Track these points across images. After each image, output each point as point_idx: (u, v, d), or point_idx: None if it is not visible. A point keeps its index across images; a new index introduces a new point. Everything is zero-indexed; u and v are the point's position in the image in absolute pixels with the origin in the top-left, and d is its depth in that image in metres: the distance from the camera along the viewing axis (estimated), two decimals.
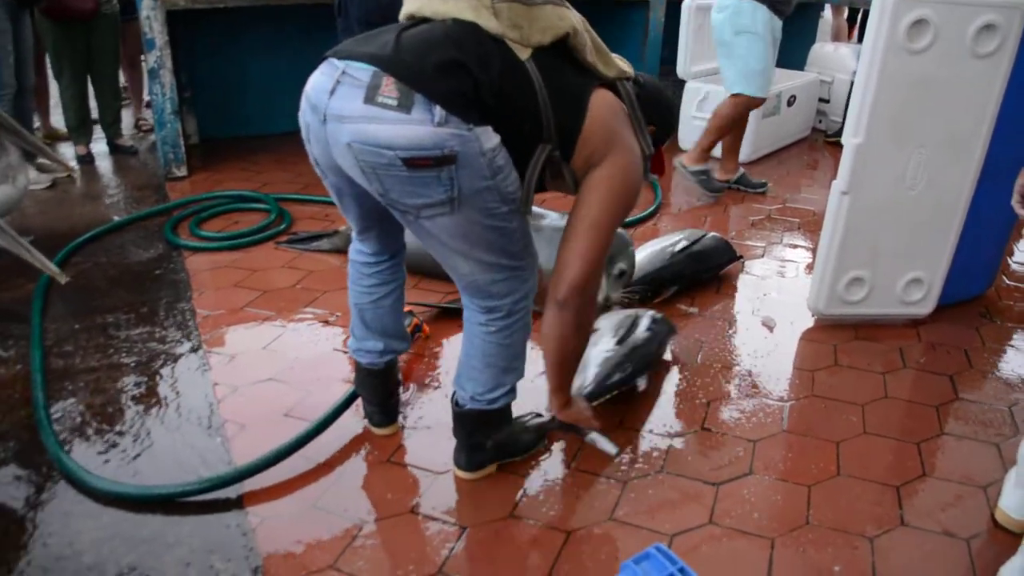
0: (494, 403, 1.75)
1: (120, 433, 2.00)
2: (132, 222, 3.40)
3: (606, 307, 2.41)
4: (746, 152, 4.46)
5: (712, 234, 2.90)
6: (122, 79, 5.16)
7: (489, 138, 1.42)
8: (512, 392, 1.79)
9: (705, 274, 2.77)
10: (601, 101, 1.54)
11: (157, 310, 2.64)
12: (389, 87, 1.36)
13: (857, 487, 1.87)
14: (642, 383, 2.18)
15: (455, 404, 1.79)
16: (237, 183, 3.87)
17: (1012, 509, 1.74)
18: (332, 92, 1.41)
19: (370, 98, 1.37)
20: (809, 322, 2.66)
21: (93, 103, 4.42)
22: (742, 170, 4.02)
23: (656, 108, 1.72)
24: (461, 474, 1.84)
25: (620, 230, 2.51)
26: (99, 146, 4.55)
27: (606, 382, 2.07)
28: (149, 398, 2.15)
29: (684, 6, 4.53)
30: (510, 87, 1.44)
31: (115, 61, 4.45)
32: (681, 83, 4.71)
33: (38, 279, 2.75)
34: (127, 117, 5.06)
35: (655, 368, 2.29)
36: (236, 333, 2.50)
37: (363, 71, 1.39)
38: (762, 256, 3.21)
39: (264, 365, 2.30)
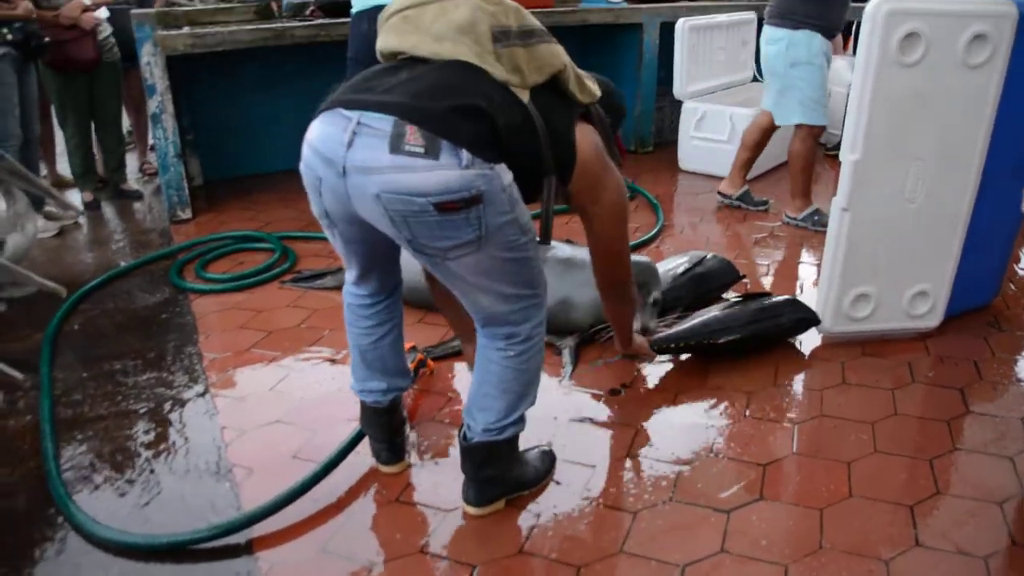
0: (503, 432, 1.75)
1: (129, 481, 2.01)
2: (138, 267, 3.42)
3: (644, 332, 2.45)
4: None
5: (714, 255, 2.90)
6: (127, 124, 5.24)
7: (506, 173, 1.46)
8: (522, 422, 1.79)
9: (708, 296, 2.76)
10: (583, 136, 1.63)
11: (164, 355, 2.65)
12: (414, 135, 1.36)
13: (870, 508, 1.85)
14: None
15: (463, 439, 1.78)
16: (241, 223, 3.90)
17: None
18: (350, 144, 1.40)
19: (396, 148, 1.37)
20: (816, 340, 2.65)
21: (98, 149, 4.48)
22: (746, 187, 4.02)
23: (609, 107, 1.81)
24: (470, 510, 1.83)
25: (646, 258, 2.59)
26: (105, 191, 4.60)
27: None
28: (157, 445, 2.16)
29: (678, 27, 4.57)
30: (518, 129, 1.48)
31: (117, 108, 4.51)
32: (678, 103, 4.74)
33: (46, 328, 2.77)
34: (132, 162, 5.12)
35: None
36: (243, 375, 2.50)
37: (381, 120, 1.39)
38: (766, 275, 3.20)
39: (271, 407, 2.30)
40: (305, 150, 1.51)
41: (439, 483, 1.95)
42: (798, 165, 3.66)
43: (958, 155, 2.42)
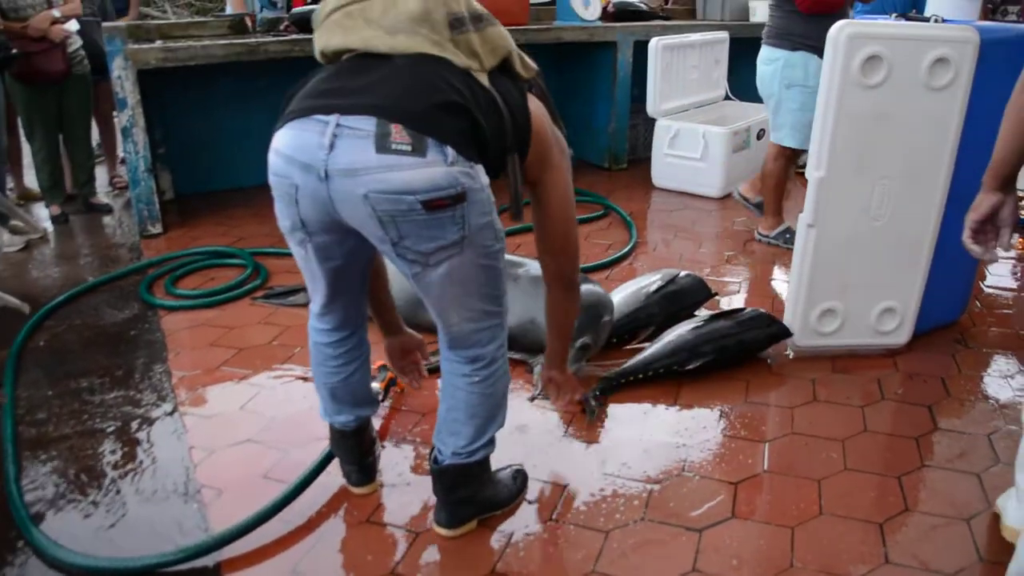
0: (474, 455, 1.74)
1: (94, 503, 1.97)
2: (107, 282, 3.37)
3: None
4: (719, 187, 4.53)
5: (687, 273, 2.92)
6: (96, 137, 5.18)
7: (484, 174, 1.48)
8: (492, 444, 1.79)
9: (681, 314, 2.77)
10: (535, 108, 1.62)
11: (132, 373, 2.61)
12: (400, 133, 1.35)
13: (840, 526, 1.86)
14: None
15: (433, 462, 1.77)
16: (213, 238, 3.86)
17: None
18: (331, 147, 1.37)
19: (383, 147, 1.35)
20: (786, 356, 2.68)
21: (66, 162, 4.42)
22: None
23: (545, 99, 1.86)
24: (442, 532, 1.81)
25: (600, 299, 2.55)
26: (73, 205, 4.53)
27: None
28: (124, 465, 2.12)
29: (651, 46, 4.62)
30: (490, 116, 1.48)
31: (87, 121, 4.46)
32: (652, 121, 4.78)
33: (10, 346, 2.72)
34: (101, 175, 5.05)
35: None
36: (212, 394, 2.47)
37: (363, 121, 1.36)
38: (738, 292, 3.23)
39: (241, 426, 2.27)
40: (274, 159, 1.46)
41: (410, 503, 1.93)
42: (770, 183, 3.69)
43: (924, 174, 2.47)
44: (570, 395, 2.08)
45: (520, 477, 1.96)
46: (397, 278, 2.00)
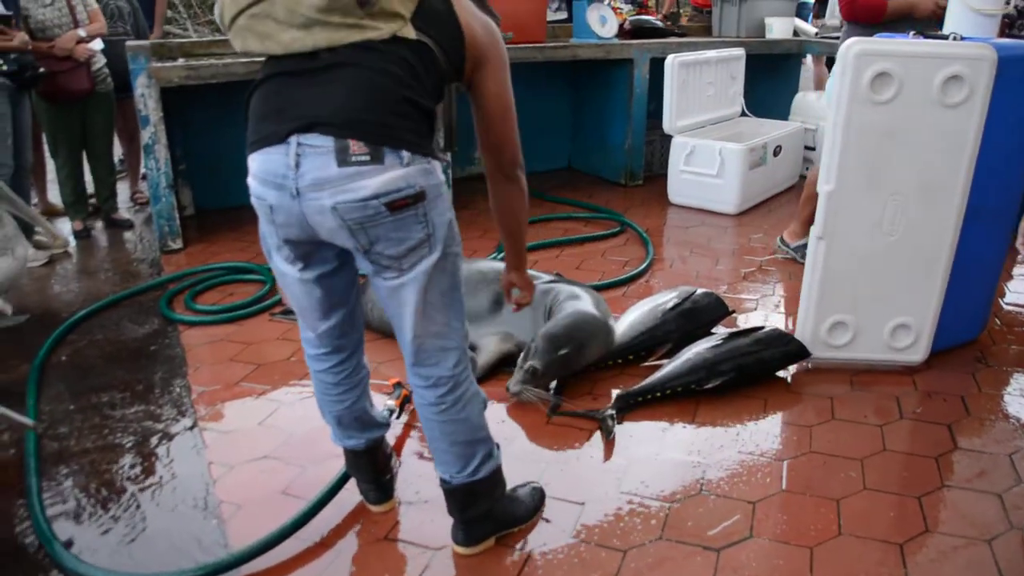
0: (477, 473, 1.75)
1: (115, 518, 1.99)
2: (128, 297, 3.41)
3: (514, 395, 2.44)
4: (735, 204, 4.53)
5: (703, 291, 2.92)
6: (119, 152, 5.25)
7: (439, 169, 1.53)
8: (491, 458, 1.78)
9: (697, 331, 2.77)
10: (463, 12, 1.54)
11: (153, 387, 2.64)
12: (357, 146, 1.40)
13: (860, 547, 1.85)
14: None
15: (442, 482, 1.78)
16: (232, 254, 3.90)
17: None
18: (297, 166, 1.42)
19: (343, 161, 1.40)
20: (804, 371, 2.66)
21: (89, 178, 4.49)
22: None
23: None
24: (460, 550, 1.82)
25: (570, 330, 2.52)
26: (95, 221, 4.60)
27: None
28: (144, 480, 2.14)
29: (668, 63, 4.63)
30: (428, 75, 1.49)
31: (110, 138, 4.52)
32: (668, 137, 4.79)
33: (33, 360, 2.76)
34: (123, 190, 5.12)
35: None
36: (232, 409, 2.49)
37: (321, 139, 1.41)
38: (755, 309, 3.22)
39: (260, 442, 2.29)
40: (251, 183, 1.52)
41: (427, 520, 1.94)
42: (810, 191, 3.62)
43: (938, 191, 2.46)
44: (528, 299, 2.00)
45: (537, 494, 1.97)
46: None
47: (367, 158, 1.41)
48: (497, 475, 1.81)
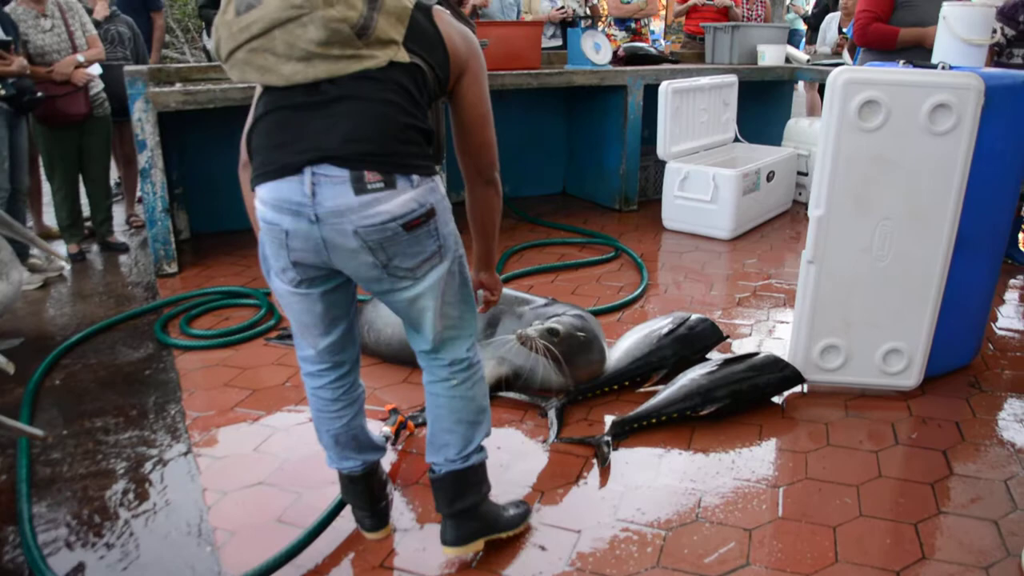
0: (468, 460, 1.82)
1: (108, 545, 1.97)
2: (122, 321, 3.41)
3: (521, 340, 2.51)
4: (729, 229, 4.56)
5: (698, 316, 2.93)
6: (115, 175, 5.26)
7: (441, 184, 1.63)
8: (483, 450, 1.86)
9: (692, 357, 2.78)
10: (443, 25, 1.63)
11: (147, 412, 2.63)
12: (372, 175, 1.49)
13: (857, 574, 1.84)
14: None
15: (431, 472, 1.84)
16: (227, 278, 3.90)
17: None
18: (313, 195, 1.48)
19: (360, 190, 1.49)
20: (799, 398, 2.67)
21: (85, 201, 4.50)
22: None
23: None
24: (449, 551, 1.85)
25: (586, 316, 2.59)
26: (91, 244, 4.60)
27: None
28: (137, 506, 2.13)
29: (661, 89, 4.68)
30: (422, 97, 1.59)
31: (106, 161, 4.54)
32: (662, 163, 4.83)
33: (27, 383, 2.75)
34: (119, 214, 5.13)
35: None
36: (226, 435, 2.48)
37: (335, 170, 1.48)
38: (749, 335, 3.23)
39: (254, 468, 2.28)
40: (262, 209, 1.56)
41: (423, 548, 1.93)
42: None
43: (928, 217, 2.48)
44: (495, 298, 2.09)
45: (523, 507, 2.01)
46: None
47: (381, 185, 1.50)
48: (484, 469, 1.88)
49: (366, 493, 1.93)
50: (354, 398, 1.87)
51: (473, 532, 1.85)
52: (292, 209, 1.51)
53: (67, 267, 4.18)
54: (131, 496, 2.17)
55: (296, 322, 1.74)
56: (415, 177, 1.54)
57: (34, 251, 4.26)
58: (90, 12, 4.53)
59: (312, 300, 1.68)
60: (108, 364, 3.01)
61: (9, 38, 3.80)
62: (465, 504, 1.83)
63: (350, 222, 1.50)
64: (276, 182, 1.51)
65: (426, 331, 1.71)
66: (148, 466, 2.31)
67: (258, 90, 1.60)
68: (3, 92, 3.65)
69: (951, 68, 2.52)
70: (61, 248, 4.43)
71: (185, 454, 2.37)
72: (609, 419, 2.49)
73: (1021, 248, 4.22)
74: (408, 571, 1.85)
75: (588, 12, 5.70)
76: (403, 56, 1.53)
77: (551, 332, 2.52)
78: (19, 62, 3.75)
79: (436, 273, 1.63)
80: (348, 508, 2.00)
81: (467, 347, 1.79)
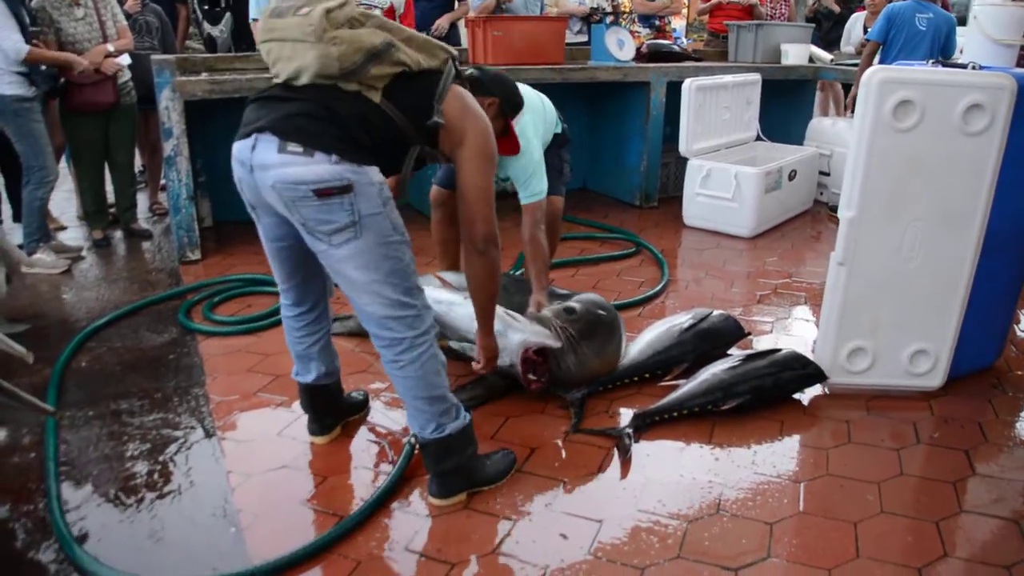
0: (444, 430, 1.97)
1: (133, 523, 2.00)
2: (146, 306, 3.44)
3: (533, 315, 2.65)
4: (750, 227, 4.54)
5: (719, 312, 2.92)
6: (139, 162, 5.31)
7: (376, 174, 1.80)
8: (457, 419, 2.00)
9: (714, 352, 2.78)
10: (452, 101, 1.89)
11: (171, 396, 2.66)
12: (294, 145, 1.74)
13: (878, 570, 1.84)
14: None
15: (415, 438, 2.04)
16: (250, 266, 3.93)
17: None
18: (253, 148, 1.79)
19: (282, 149, 1.75)
20: (820, 396, 2.66)
21: (109, 188, 4.55)
22: None
23: (497, 84, 2.43)
24: (435, 502, 2.03)
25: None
26: (115, 230, 4.65)
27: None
28: (162, 487, 2.15)
29: (684, 86, 4.66)
30: (377, 129, 1.81)
31: (131, 149, 4.59)
32: (683, 160, 4.82)
33: (55, 364, 2.78)
34: (142, 201, 5.17)
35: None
36: (249, 419, 2.51)
37: (271, 137, 1.76)
38: (770, 332, 3.23)
39: (278, 452, 2.30)
40: (232, 162, 1.89)
41: (446, 534, 1.94)
42: None
43: (958, 219, 2.47)
44: (494, 363, 2.35)
45: (508, 459, 2.18)
46: None
47: (300, 151, 1.73)
48: (466, 434, 2.03)
49: (312, 404, 2.30)
50: (315, 331, 2.20)
51: (458, 487, 2.04)
52: (240, 160, 1.84)
53: (88, 253, 4.21)
54: (156, 476, 2.20)
55: (269, 261, 2.08)
56: (335, 156, 1.72)
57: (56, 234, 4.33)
58: (122, 3, 4.57)
59: (274, 248, 2.04)
60: (133, 348, 3.04)
61: (38, 28, 3.87)
62: (450, 465, 2.01)
63: (270, 177, 1.76)
64: (238, 142, 1.85)
65: (354, 300, 1.87)
66: (172, 448, 2.34)
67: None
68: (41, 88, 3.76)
69: (981, 67, 2.50)
70: (70, 239, 4.45)
71: (209, 437, 2.40)
72: (630, 412, 2.49)
73: None
74: (431, 556, 1.87)
75: (611, 8, 5.69)
76: (374, 96, 1.80)
77: (568, 311, 2.56)
78: (67, 57, 3.91)
79: (353, 246, 1.78)
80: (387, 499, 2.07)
81: (405, 328, 1.89)
